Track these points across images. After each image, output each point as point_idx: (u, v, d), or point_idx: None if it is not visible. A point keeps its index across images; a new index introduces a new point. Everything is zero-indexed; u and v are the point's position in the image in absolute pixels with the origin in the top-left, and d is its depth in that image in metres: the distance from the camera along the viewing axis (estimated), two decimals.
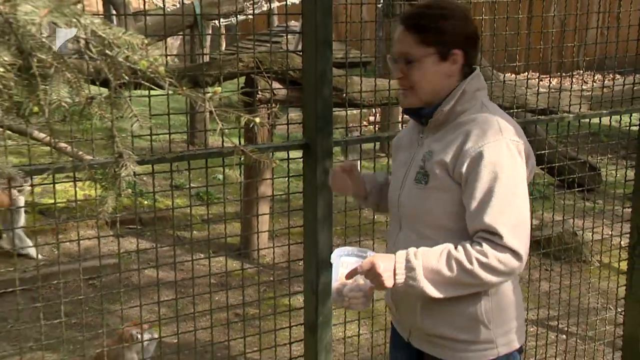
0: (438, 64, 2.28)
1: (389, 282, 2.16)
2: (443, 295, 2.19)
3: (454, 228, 2.26)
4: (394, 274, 2.16)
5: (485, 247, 2.14)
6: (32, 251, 5.65)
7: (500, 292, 2.32)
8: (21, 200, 5.52)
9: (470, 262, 2.14)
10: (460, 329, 2.30)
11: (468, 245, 2.16)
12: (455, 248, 2.17)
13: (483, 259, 2.13)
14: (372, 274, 2.17)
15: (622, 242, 4.28)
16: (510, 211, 2.16)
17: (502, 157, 2.18)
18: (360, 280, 2.24)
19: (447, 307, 2.27)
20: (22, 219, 5.48)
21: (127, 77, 1.59)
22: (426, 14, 2.30)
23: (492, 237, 2.15)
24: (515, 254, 2.14)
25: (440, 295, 2.18)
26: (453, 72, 2.30)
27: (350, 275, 2.22)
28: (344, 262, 2.26)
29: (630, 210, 4.15)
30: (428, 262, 2.16)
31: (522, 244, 2.16)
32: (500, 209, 2.15)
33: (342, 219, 3.71)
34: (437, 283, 2.16)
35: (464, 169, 2.20)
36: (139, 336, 3.69)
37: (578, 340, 4.48)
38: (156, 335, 3.80)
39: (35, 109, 1.56)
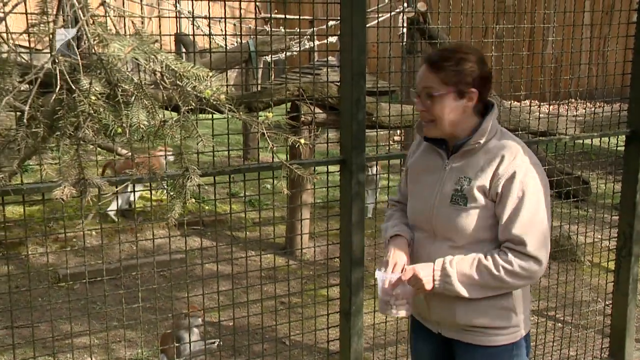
0: (456, 100, 2.23)
1: (428, 286, 2.21)
2: (474, 296, 2.22)
3: (486, 238, 2.25)
4: (433, 279, 2.21)
5: (510, 256, 2.16)
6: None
7: None
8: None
9: (498, 270, 2.16)
10: (494, 317, 2.28)
11: (496, 255, 2.18)
12: (485, 257, 2.19)
13: (508, 267, 2.16)
14: (414, 280, 2.22)
15: (610, 245, 4.19)
16: (535, 224, 2.16)
17: (528, 177, 2.19)
18: (400, 289, 2.24)
19: (484, 302, 2.26)
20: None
21: (194, 104, 1.60)
22: (447, 56, 2.24)
23: (518, 246, 2.16)
24: (536, 260, 2.16)
25: (472, 296, 2.21)
26: (468, 108, 2.26)
27: (395, 285, 2.23)
28: (385, 277, 2.26)
29: (617, 217, 4.07)
30: (462, 269, 2.19)
31: (543, 252, 2.17)
32: (526, 222, 2.16)
33: (371, 222, 3.69)
34: (469, 286, 2.19)
35: (499, 189, 2.19)
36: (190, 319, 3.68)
37: (572, 328, 4.39)
38: (200, 321, 3.74)
39: (119, 130, 1.57)
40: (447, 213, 2.27)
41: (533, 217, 2.17)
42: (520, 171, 2.18)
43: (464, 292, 2.20)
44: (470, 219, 2.23)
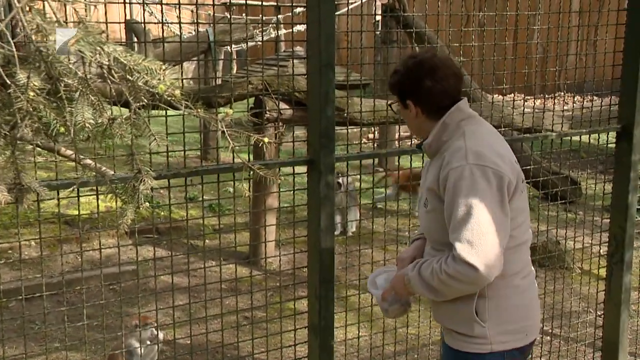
0: (404, 110, 2.53)
1: (404, 293, 2.53)
2: (438, 299, 2.45)
3: (447, 241, 2.38)
4: (404, 285, 2.48)
5: (449, 259, 2.31)
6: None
7: (500, 295, 2.44)
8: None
9: (440, 272, 2.33)
10: (457, 323, 2.48)
11: (443, 258, 2.35)
12: (438, 261, 2.36)
13: (447, 269, 2.31)
14: (390, 289, 2.57)
15: (601, 251, 4.27)
16: (466, 228, 2.28)
17: (462, 180, 2.31)
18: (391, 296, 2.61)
19: (449, 305, 2.47)
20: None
21: (146, 100, 1.59)
22: (393, 69, 2.55)
23: (453, 251, 2.30)
24: (470, 266, 2.26)
25: (436, 299, 2.46)
26: (418, 115, 2.49)
27: (384, 298, 2.59)
28: (375, 284, 2.66)
29: (608, 220, 4.14)
30: (422, 273, 2.41)
31: (478, 258, 2.26)
32: (456, 227, 2.31)
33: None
34: (428, 289, 2.40)
35: (442, 192, 2.39)
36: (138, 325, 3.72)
37: (561, 342, 4.46)
38: (154, 327, 3.79)
39: (62, 129, 1.56)
40: (421, 214, 2.57)
41: (464, 223, 2.29)
42: (452, 174, 2.34)
43: (427, 295, 2.44)
44: (431, 221, 2.48)
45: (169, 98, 1.57)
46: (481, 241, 2.26)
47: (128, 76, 1.51)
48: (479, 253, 2.25)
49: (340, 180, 5.92)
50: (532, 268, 2.61)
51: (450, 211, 2.33)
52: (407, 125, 2.62)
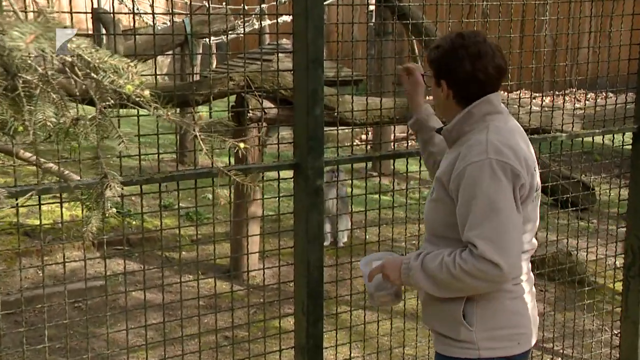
0: (436, 87, 2.60)
1: (394, 279, 2.57)
2: (440, 295, 2.51)
3: (451, 237, 2.50)
4: (400, 272, 2.54)
5: (467, 255, 2.38)
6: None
7: (490, 298, 2.51)
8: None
9: (455, 267, 2.39)
10: (444, 326, 2.58)
11: (457, 252, 2.42)
12: (449, 254, 2.43)
13: (464, 265, 2.38)
14: (379, 270, 2.61)
15: (617, 263, 4.29)
16: (487, 225, 2.37)
17: (483, 175, 2.39)
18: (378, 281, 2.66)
19: (438, 305, 2.57)
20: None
21: (112, 100, 1.60)
22: (437, 42, 2.62)
23: (472, 247, 2.38)
24: (493, 264, 2.35)
25: (437, 294, 2.51)
26: (449, 97, 2.56)
27: (370, 278, 2.65)
28: (369, 267, 2.68)
29: (624, 229, 4.16)
30: (427, 264, 2.47)
31: (501, 256, 2.35)
32: (476, 223, 2.38)
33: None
34: (432, 283, 2.47)
35: (454, 186, 2.46)
36: None
37: None
38: None
39: (21, 128, 1.56)
40: (427, 202, 2.66)
41: (485, 219, 2.37)
42: (471, 168, 2.42)
43: (428, 289, 2.51)
44: (432, 211, 2.60)
45: (137, 99, 1.57)
46: (504, 240, 2.36)
47: (93, 74, 1.52)
48: (502, 252, 2.35)
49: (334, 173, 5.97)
50: (531, 277, 2.68)
51: (468, 207, 2.40)
52: (434, 102, 2.71)
